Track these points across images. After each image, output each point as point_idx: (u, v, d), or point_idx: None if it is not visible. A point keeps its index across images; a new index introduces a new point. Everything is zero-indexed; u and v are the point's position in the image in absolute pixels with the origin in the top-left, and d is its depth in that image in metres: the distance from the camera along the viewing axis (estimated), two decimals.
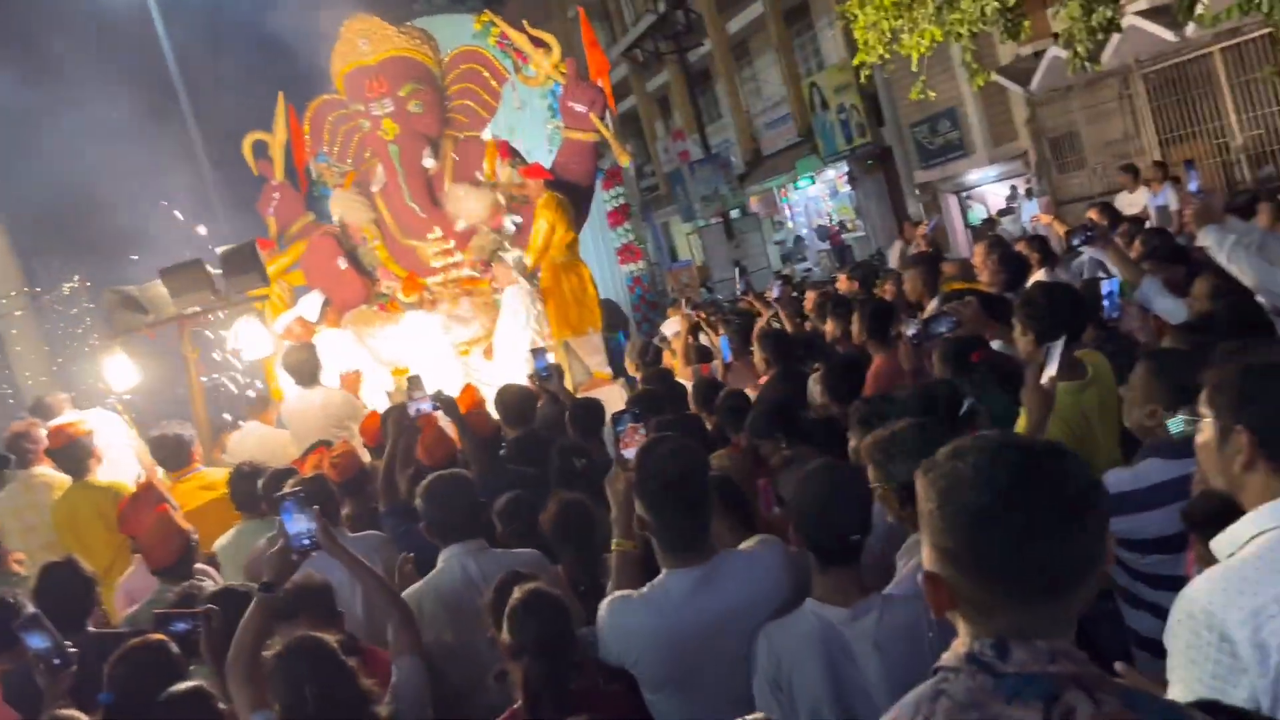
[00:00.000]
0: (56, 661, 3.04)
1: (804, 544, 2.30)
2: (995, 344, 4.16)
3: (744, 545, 2.50)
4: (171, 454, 5.30)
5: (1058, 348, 2.80)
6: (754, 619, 2.30)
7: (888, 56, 7.31)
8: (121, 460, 5.59)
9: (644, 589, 2.41)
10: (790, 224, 24.02)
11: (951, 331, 3.82)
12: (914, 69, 7.31)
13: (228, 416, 7.24)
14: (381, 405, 6.82)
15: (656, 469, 2.34)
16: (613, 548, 2.58)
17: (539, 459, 4.80)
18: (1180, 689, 1.57)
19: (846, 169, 20.52)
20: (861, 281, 7.21)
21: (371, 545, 4.02)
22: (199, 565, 4.33)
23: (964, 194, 17.62)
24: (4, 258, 13.55)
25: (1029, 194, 16.04)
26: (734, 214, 20.64)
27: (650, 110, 27.97)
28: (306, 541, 2.73)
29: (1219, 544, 1.68)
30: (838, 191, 22.06)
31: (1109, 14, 6.82)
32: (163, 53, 18.03)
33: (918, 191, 17.59)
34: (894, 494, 2.49)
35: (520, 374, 6.70)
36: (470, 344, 7.76)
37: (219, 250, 6.41)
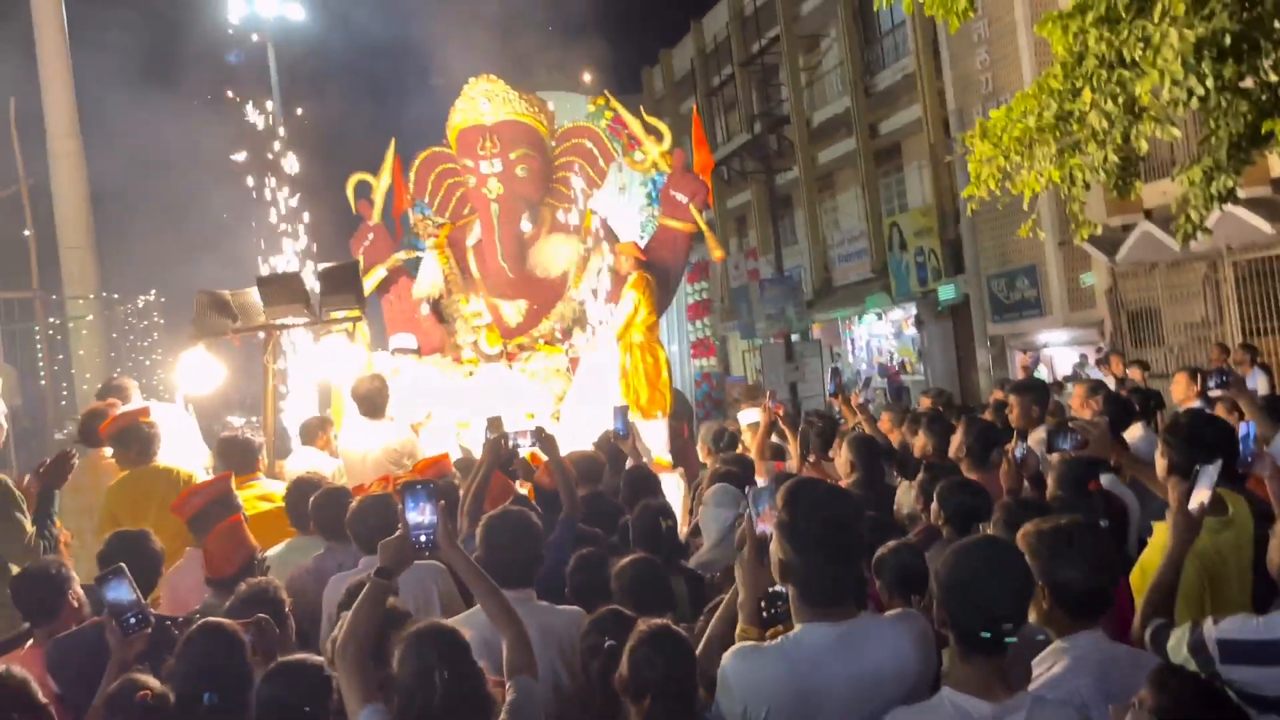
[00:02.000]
0: (133, 620, 2.90)
1: (947, 624, 2.12)
2: (1104, 479, 4.01)
3: (887, 614, 2.33)
4: (238, 458, 5.21)
5: (1212, 472, 2.64)
6: (887, 692, 2.12)
7: (999, 193, 7.29)
8: (185, 457, 5.51)
9: (776, 640, 2.23)
10: (851, 357, 23.96)
11: (1075, 450, 3.66)
12: (1025, 208, 7.29)
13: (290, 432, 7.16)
14: (441, 450, 6.73)
15: (813, 509, 2.19)
16: (737, 634, 2.41)
17: (605, 520, 4.69)
18: None
19: (915, 311, 20.53)
20: (944, 405, 7.09)
21: (432, 573, 3.88)
22: None
23: (1033, 353, 17.48)
24: (85, 265, 13.86)
25: (1100, 364, 15.86)
26: (795, 338, 20.64)
27: (726, 226, 28.37)
28: (424, 538, 2.62)
29: None
30: (902, 332, 22.02)
31: (1230, 183, 6.76)
32: (270, 87, 18.72)
33: (988, 344, 17.49)
34: (1047, 591, 2.30)
35: (586, 443, 6.60)
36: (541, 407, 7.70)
37: (320, 266, 6.45)
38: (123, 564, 3.05)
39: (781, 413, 6.26)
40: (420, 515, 2.62)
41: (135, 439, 5.10)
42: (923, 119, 19.14)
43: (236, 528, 4.05)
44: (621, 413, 5.75)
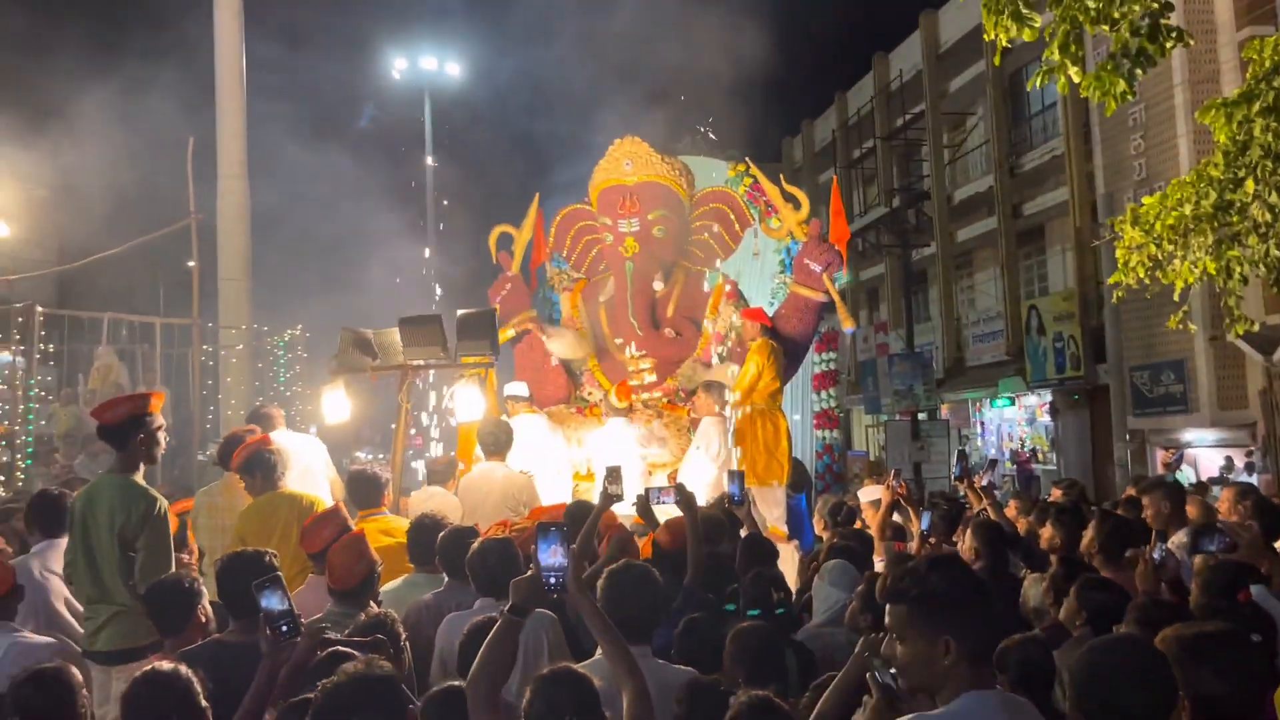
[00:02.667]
0: (285, 628, 3.01)
1: None
2: (1254, 590, 3.76)
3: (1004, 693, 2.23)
4: (365, 491, 5.37)
5: None
6: None
7: (1148, 282, 7.03)
8: (318, 487, 5.72)
9: (936, 711, 2.14)
10: (980, 440, 23.23)
11: (1223, 552, 3.45)
12: (1175, 299, 7.00)
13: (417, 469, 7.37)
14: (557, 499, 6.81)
15: (962, 579, 2.13)
16: None
17: (718, 584, 4.64)
18: None
19: (1050, 398, 19.83)
20: (1077, 498, 6.78)
21: (545, 622, 3.90)
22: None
23: (1176, 451, 16.61)
24: (240, 296, 14.67)
25: (1249, 468, 14.95)
26: (922, 416, 20.16)
27: (858, 298, 28.09)
28: (553, 580, 2.66)
29: None
30: (1036, 419, 21.26)
31: None
32: (424, 139, 19.70)
33: (1127, 437, 16.71)
34: (1189, 702, 2.15)
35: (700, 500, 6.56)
36: (658, 466, 7.70)
37: (459, 312, 6.67)
38: (279, 573, 3.17)
39: (905, 491, 6.11)
40: (552, 557, 2.65)
41: (259, 466, 5.33)
42: (1070, 202, 18.67)
43: (359, 540, 4.17)
44: (738, 478, 5.68)
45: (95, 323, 13.50)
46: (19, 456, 11.51)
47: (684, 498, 4.55)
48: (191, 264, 14.67)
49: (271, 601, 3.01)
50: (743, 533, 5.81)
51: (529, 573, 2.68)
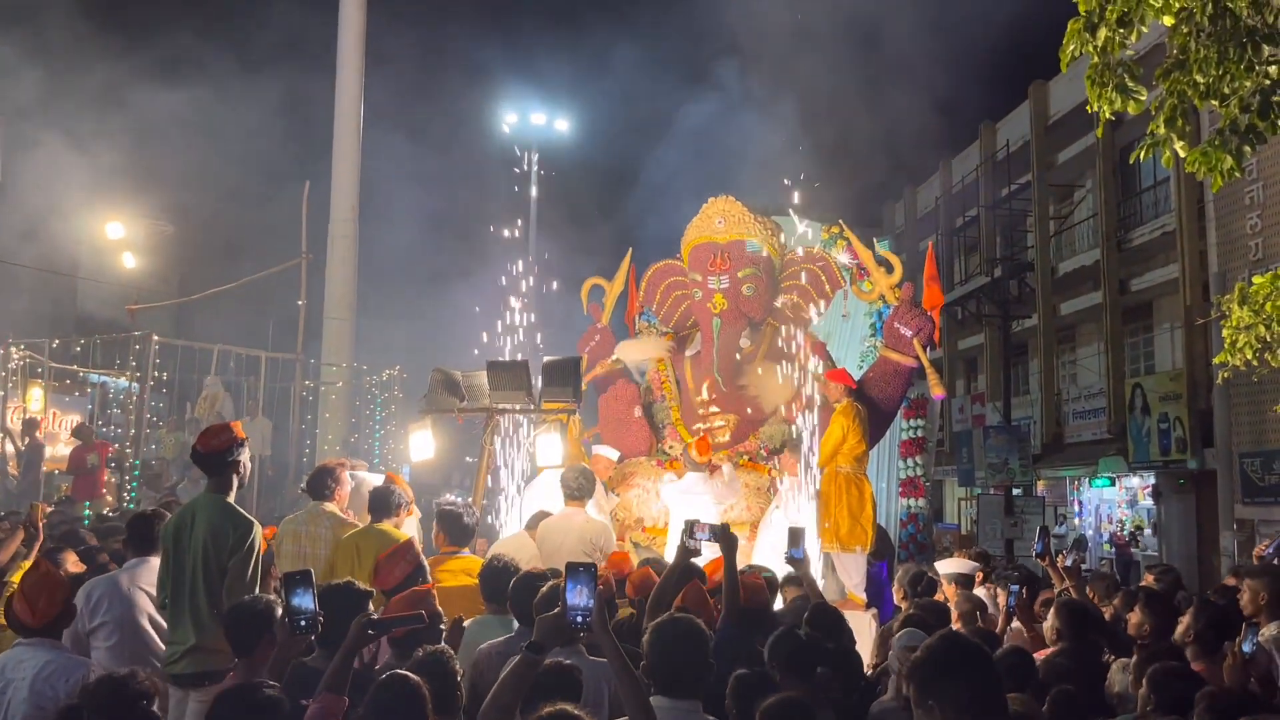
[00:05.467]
0: (304, 623, 3.14)
1: None
2: None
3: None
4: (451, 529, 5.47)
5: None
6: None
7: (1256, 363, 6.77)
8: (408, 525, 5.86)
9: None
10: (1077, 520, 22.41)
11: None
12: None
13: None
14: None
15: None
16: None
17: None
18: None
19: (1153, 481, 19.05)
20: (1171, 585, 6.49)
21: (606, 675, 3.89)
22: None
23: (1275, 540, 15.75)
24: (343, 335, 15.18)
25: None
26: (1017, 491, 19.55)
27: (955, 367, 27.55)
28: (579, 619, 2.69)
29: None
30: (1137, 501, 20.43)
31: None
32: (529, 193, 20.27)
33: (1235, 526, 15.93)
34: None
35: (777, 561, 6.48)
36: (733, 523, 7.64)
37: (545, 358, 6.79)
38: (310, 571, 3.30)
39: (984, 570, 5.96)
40: (578, 597, 2.70)
41: (368, 503, 5.51)
42: (1180, 279, 18.07)
43: (426, 596, 4.23)
44: (798, 537, 5.53)
45: (206, 353, 14.12)
46: (128, 479, 12.04)
47: (724, 537, 4.49)
48: (300, 302, 15.26)
49: (301, 599, 3.16)
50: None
51: (556, 610, 2.73)
